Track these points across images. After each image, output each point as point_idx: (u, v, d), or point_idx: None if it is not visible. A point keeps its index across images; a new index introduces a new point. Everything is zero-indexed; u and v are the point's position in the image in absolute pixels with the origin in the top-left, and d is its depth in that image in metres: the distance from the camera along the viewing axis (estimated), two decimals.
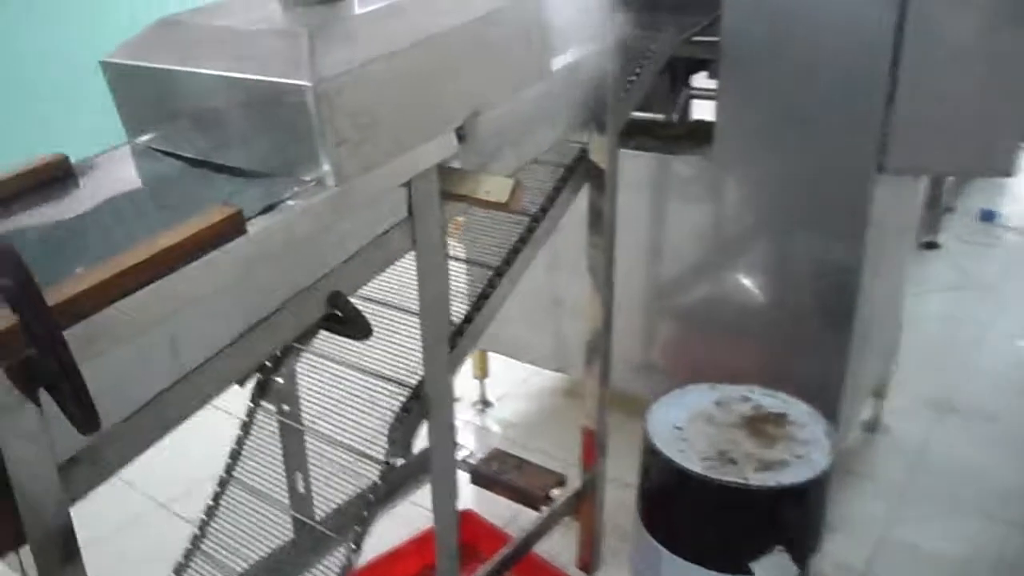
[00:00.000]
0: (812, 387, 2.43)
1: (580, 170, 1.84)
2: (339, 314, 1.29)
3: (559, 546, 2.41)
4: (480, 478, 2.42)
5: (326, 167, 1.19)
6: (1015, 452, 3.00)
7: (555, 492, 2.31)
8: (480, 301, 1.68)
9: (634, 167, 2.54)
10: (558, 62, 1.64)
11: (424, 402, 1.50)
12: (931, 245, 4.77)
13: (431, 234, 1.41)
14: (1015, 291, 4.32)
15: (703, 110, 2.59)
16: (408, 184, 1.35)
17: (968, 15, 1.95)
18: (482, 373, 3.29)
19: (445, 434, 1.58)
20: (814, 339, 2.42)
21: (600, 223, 1.93)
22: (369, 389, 1.57)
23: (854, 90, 2.07)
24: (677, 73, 2.52)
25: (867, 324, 2.54)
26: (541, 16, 1.53)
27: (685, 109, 2.54)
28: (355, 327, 1.32)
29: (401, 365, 1.55)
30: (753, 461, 1.82)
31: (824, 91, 2.13)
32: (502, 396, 3.41)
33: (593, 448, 2.21)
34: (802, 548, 1.82)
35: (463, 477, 2.56)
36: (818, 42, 2.11)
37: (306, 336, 1.44)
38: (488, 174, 1.42)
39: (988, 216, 5.17)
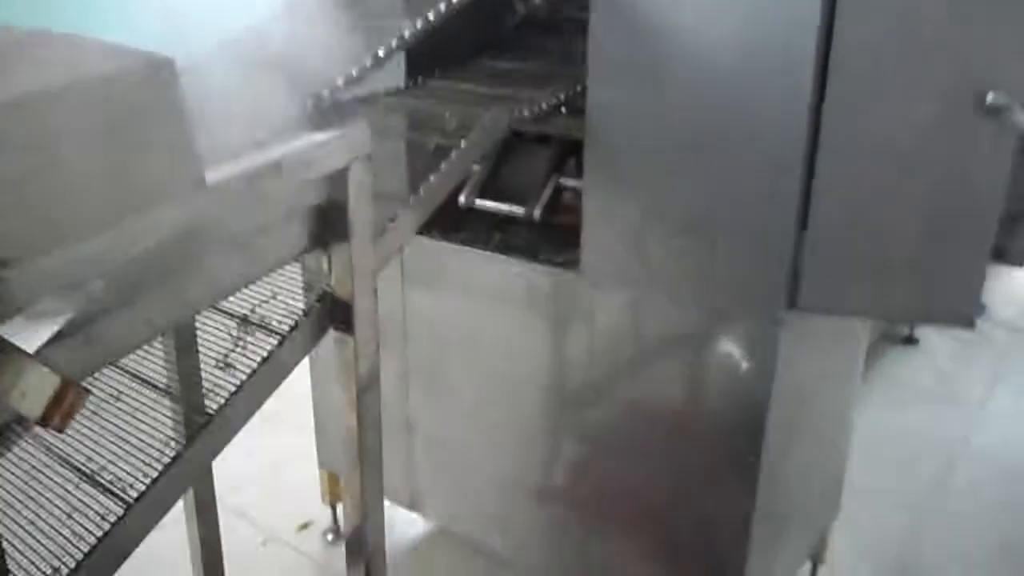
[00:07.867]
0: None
1: (316, 312, 1.22)
2: None
3: None
4: None
5: None
6: None
7: None
8: None
9: (494, 273, 1.96)
10: (249, 155, 1.05)
11: None
12: (909, 340, 4.17)
13: None
14: (1001, 407, 3.70)
15: None
16: None
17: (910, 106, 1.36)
18: (334, 497, 2.68)
19: None
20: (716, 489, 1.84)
21: (355, 380, 1.30)
22: None
23: (759, 202, 1.48)
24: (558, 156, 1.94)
25: (783, 485, 1.94)
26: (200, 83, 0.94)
27: (552, 204, 1.91)
28: None
29: None
30: None
31: (718, 198, 1.54)
32: None
33: None
34: None
35: None
36: (714, 129, 1.53)
37: None
38: (34, 362, 0.82)
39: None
